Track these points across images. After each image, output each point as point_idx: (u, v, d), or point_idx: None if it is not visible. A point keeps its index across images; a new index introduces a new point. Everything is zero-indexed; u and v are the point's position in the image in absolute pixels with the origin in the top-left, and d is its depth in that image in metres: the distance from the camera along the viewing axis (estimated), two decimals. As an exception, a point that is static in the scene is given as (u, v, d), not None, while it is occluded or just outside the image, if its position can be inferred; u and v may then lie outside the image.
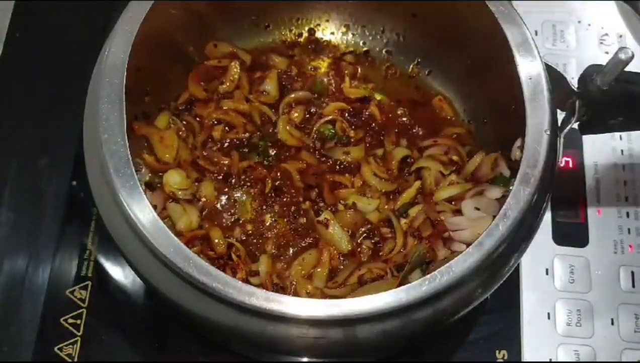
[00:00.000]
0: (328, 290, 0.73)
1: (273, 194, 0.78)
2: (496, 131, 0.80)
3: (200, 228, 0.75)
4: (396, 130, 0.83)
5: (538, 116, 0.67)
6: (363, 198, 0.78)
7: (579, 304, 0.82)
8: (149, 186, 0.76)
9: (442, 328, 0.67)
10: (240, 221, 0.77)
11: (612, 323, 0.82)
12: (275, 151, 0.81)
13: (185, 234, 0.73)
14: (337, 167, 0.81)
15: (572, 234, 0.86)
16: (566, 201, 0.87)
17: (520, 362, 0.80)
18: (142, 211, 0.61)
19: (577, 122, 0.75)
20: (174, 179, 0.76)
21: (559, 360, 0.80)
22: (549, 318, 0.82)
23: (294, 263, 0.74)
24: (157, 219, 0.61)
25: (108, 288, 0.82)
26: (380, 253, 0.76)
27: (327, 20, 0.89)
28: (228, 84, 0.83)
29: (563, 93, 0.72)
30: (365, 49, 0.89)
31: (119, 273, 0.83)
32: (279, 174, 0.79)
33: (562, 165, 0.88)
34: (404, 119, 0.84)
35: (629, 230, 0.86)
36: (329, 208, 0.77)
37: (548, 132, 0.66)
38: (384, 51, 0.89)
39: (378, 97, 0.85)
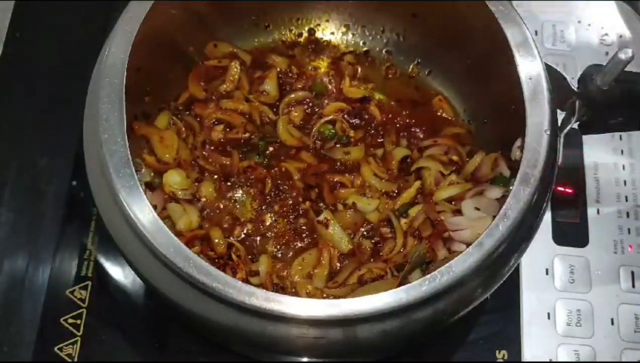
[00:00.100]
0: (328, 290, 0.73)
1: (273, 194, 0.78)
2: (496, 131, 0.80)
3: (200, 228, 0.75)
4: (396, 130, 0.83)
5: (538, 116, 0.67)
6: (363, 198, 0.78)
7: (579, 304, 0.82)
8: (149, 186, 0.76)
9: (442, 328, 0.67)
10: (240, 221, 0.77)
11: (612, 323, 0.82)
12: (275, 151, 0.81)
13: (185, 234, 0.74)
14: (337, 167, 0.81)
15: (572, 234, 0.86)
16: (566, 201, 0.87)
17: (520, 362, 0.80)
18: (142, 211, 0.61)
19: (577, 122, 0.75)
20: (174, 179, 0.76)
21: (559, 360, 0.80)
22: (549, 318, 0.82)
23: (294, 263, 0.74)
24: (157, 219, 0.61)
25: (108, 288, 0.82)
26: (380, 253, 0.76)
27: (327, 20, 0.89)
28: (228, 84, 0.83)
29: (563, 93, 0.72)
30: (365, 49, 0.89)
31: (119, 273, 0.83)
32: (279, 174, 0.79)
33: (562, 165, 0.88)
34: (404, 119, 0.84)
35: (629, 230, 0.86)
36: (329, 208, 0.77)
37: (548, 132, 0.66)
38: (384, 51, 0.89)
39: (378, 97, 0.85)
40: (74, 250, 0.83)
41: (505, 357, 0.80)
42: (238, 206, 0.78)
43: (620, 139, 0.91)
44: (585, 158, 0.90)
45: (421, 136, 0.83)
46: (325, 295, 0.73)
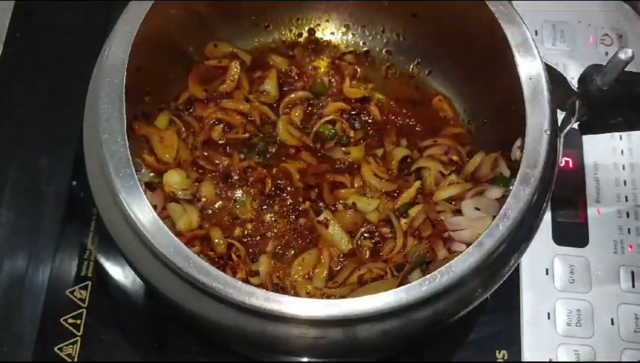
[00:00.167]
0: (328, 290, 0.73)
1: (273, 194, 0.78)
2: (496, 131, 0.80)
3: (200, 228, 0.75)
4: (396, 130, 0.83)
5: (538, 116, 0.67)
6: (363, 198, 0.78)
7: (579, 304, 0.82)
8: (149, 186, 0.76)
9: (442, 328, 0.67)
10: (240, 221, 0.77)
11: (612, 323, 0.82)
12: (275, 151, 0.81)
13: (185, 234, 0.73)
14: (337, 167, 0.81)
15: (572, 234, 0.86)
16: (566, 201, 0.87)
17: (520, 362, 0.80)
18: (142, 211, 0.61)
19: (577, 122, 0.75)
20: (174, 179, 0.76)
21: (559, 360, 0.80)
22: (549, 318, 0.82)
23: (294, 263, 0.74)
24: (157, 219, 0.61)
25: (108, 288, 0.82)
26: (380, 253, 0.76)
27: (327, 20, 0.89)
28: (228, 84, 0.83)
29: (563, 93, 0.72)
30: (365, 49, 0.89)
31: (119, 273, 0.83)
32: (279, 174, 0.79)
33: (562, 165, 0.88)
34: (404, 119, 0.84)
35: (629, 230, 0.86)
36: (329, 208, 0.77)
37: (548, 132, 0.66)
38: (384, 51, 0.89)
39: (378, 97, 0.85)
40: (74, 250, 0.83)
41: (505, 357, 0.80)
42: (238, 206, 0.78)
43: (620, 139, 0.91)
44: (585, 158, 0.90)
45: (421, 136, 0.83)
46: (325, 295, 0.72)
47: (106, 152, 0.63)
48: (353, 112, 0.84)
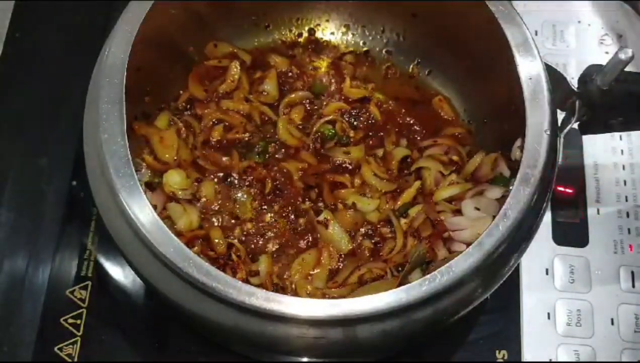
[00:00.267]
0: (328, 290, 0.73)
1: (273, 194, 0.78)
2: (496, 131, 0.80)
3: (200, 228, 0.75)
4: (396, 130, 0.83)
5: (538, 116, 0.67)
6: (363, 198, 0.78)
7: (579, 304, 0.82)
8: (149, 186, 0.76)
9: (442, 328, 0.67)
10: (240, 221, 0.77)
11: (612, 323, 0.82)
12: (275, 151, 0.81)
13: (185, 234, 0.74)
14: (337, 167, 0.81)
15: (572, 234, 0.86)
16: (566, 201, 0.88)
17: (520, 362, 0.80)
18: (142, 211, 0.61)
19: (577, 122, 0.75)
20: (174, 179, 0.76)
21: (559, 360, 0.80)
22: (549, 318, 0.82)
23: (294, 263, 0.74)
24: (157, 219, 0.61)
25: (108, 288, 0.82)
26: (380, 253, 0.76)
27: (327, 20, 0.89)
28: (228, 84, 0.83)
29: (563, 93, 0.73)
30: (365, 49, 0.89)
31: (119, 273, 0.83)
32: (279, 174, 0.79)
33: (562, 165, 0.88)
34: (404, 119, 0.84)
35: (629, 230, 0.86)
36: (329, 208, 0.77)
37: (548, 132, 0.66)
38: (384, 51, 0.89)
39: (378, 97, 0.85)
40: (74, 250, 0.83)
41: (505, 357, 0.80)
42: (238, 206, 0.78)
43: (620, 139, 0.91)
44: (585, 158, 0.90)
45: (421, 136, 0.83)
46: (325, 295, 0.72)
47: (106, 152, 0.63)
48: (353, 112, 0.84)
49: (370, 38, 0.89)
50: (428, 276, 0.60)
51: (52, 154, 0.88)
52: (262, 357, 0.77)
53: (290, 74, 0.86)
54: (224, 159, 0.79)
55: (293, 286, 0.74)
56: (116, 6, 0.72)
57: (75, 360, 0.78)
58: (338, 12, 0.88)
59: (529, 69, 0.69)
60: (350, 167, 0.81)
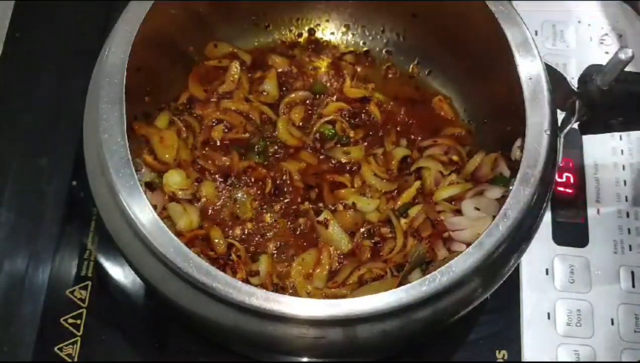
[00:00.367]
0: (328, 290, 0.73)
1: (273, 194, 0.78)
2: (496, 131, 0.80)
3: (201, 228, 0.75)
4: (396, 130, 0.83)
5: (538, 116, 0.67)
6: (363, 198, 0.78)
7: (579, 304, 0.82)
8: (149, 186, 0.76)
9: (442, 328, 0.67)
10: (241, 221, 0.77)
11: (612, 323, 0.82)
12: (275, 151, 0.81)
13: (185, 234, 0.74)
14: (337, 167, 0.81)
15: (572, 234, 0.86)
16: (566, 201, 0.87)
17: (520, 362, 0.80)
18: (142, 211, 0.61)
19: (577, 122, 0.75)
20: (174, 179, 0.76)
21: (559, 360, 0.80)
22: (549, 318, 0.82)
23: (294, 263, 0.74)
24: (157, 219, 0.61)
25: (108, 288, 0.82)
26: (380, 253, 0.76)
27: (327, 20, 0.89)
28: (228, 84, 0.83)
29: (563, 93, 0.72)
30: (365, 49, 0.89)
31: (119, 273, 0.83)
32: (279, 174, 0.80)
33: (562, 165, 0.88)
34: (404, 119, 0.84)
35: (629, 230, 0.86)
36: (329, 208, 0.77)
37: (548, 132, 0.66)
38: (384, 51, 0.89)
39: (378, 97, 0.85)
40: (74, 250, 0.83)
41: (505, 357, 0.80)
42: (238, 206, 0.78)
43: (620, 139, 0.91)
44: (585, 158, 0.90)
45: (421, 136, 0.83)
46: (325, 295, 0.72)
47: (106, 152, 0.63)
48: (353, 112, 0.84)
49: (370, 38, 0.89)
50: (428, 276, 0.60)
51: (52, 154, 0.87)
52: (262, 357, 0.77)
53: (290, 74, 0.86)
54: (224, 159, 0.79)
55: (293, 286, 0.74)
56: (116, 6, 0.72)
57: (75, 360, 0.78)
58: (338, 12, 0.88)
59: (529, 69, 0.69)
60: (350, 167, 0.81)
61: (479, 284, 0.64)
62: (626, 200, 0.88)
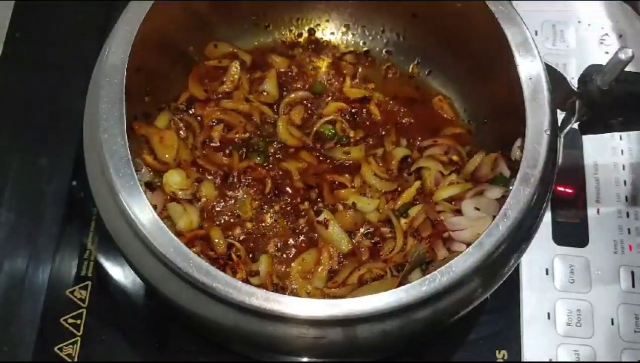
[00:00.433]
0: (328, 290, 0.73)
1: (273, 194, 0.78)
2: (496, 131, 0.80)
3: (201, 228, 0.75)
4: (396, 130, 0.83)
5: (538, 116, 0.67)
6: (363, 198, 0.78)
7: (579, 304, 0.82)
8: (149, 186, 0.76)
9: (442, 328, 0.67)
10: (241, 221, 0.77)
11: (612, 323, 0.82)
12: (275, 151, 0.81)
13: (185, 234, 0.74)
14: (337, 167, 0.81)
15: (572, 234, 0.86)
16: (566, 201, 0.87)
17: (520, 362, 0.80)
18: (142, 211, 0.61)
19: (577, 122, 0.75)
20: (174, 179, 0.76)
21: (559, 360, 0.80)
22: (549, 318, 0.82)
23: (294, 263, 0.74)
24: (157, 219, 0.61)
25: (108, 288, 0.82)
26: (380, 253, 0.76)
27: (327, 20, 0.89)
28: (228, 84, 0.83)
29: (563, 93, 0.72)
30: (365, 49, 0.89)
31: (119, 273, 0.83)
32: (279, 174, 0.80)
33: (562, 165, 0.88)
34: (404, 119, 0.84)
35: (629, 230, 0.86)
36: (329, 208, 0.77)
37: (548, 133, 0.66)
38: (384, 51, 0.89)
39: (378, 97, 0.85)
40: (74, 250, 0.83)
41: (505, 357, 0.80)
42: (238, 206, 0.78)
43: (620, 139, 0.91)
44: (585, 158, 0.90)
45: (421, 136, 0.83)
46: (325, 295, 0.72)
47: (106, 152, 0.63)
48: (353, 112, 0.84)
49: (370, 38, 0.89)
50: (428, 276, 0.60)
51: (52, 154, 0.87)
52: (262, 357, 0.77)
53: (290, 74, 0.86)
54: (224, 159, 0.79)
55: (293, 286, 0.74)
56: (116, 6, 0.72)
57: (75, 360, 0.78)
58: (338, 12, 0.88)
59: (529, 69, 0.69)
60: (350, 167, 0.81)
61: (479, 284, 0.64)
62: (626, 200, 0.88)
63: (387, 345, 0.67)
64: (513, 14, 0.71)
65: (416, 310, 0.61)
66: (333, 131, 0.82)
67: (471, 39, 0.77)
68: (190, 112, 0.82)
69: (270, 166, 0.80)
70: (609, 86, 0.70)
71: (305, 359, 0.72)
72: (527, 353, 0.80)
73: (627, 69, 0.69)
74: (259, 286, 0.69)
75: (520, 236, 0.65)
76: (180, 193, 0.76)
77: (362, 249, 0.76)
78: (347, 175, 0.80)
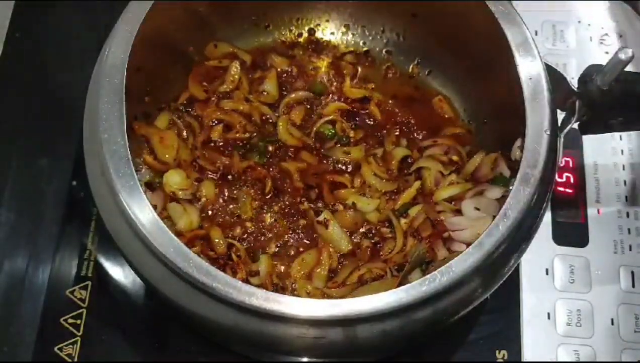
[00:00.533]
0: (328, 290, 0.73)
1: (273, 194, 0.78)
2: (496, 131, 0.80)
3: (201, 228, 0.75)
4: (396, 130, 0.83)
5: (538, 116, 0.67)
6: (363, 198, 0.78)
7: (579, 304, 0.82)
8: (149, 186, 0.76)
9: (442, 328, 0.67)
10: (241, 221, 0.77)
11: (612, 323, 0.82)
12: (275, 151, 0.81)
13: (185, 234, 0.74)
14: (337, 167, 0.81)
15: (572, 234, 0.86)
16: (566, 201, 0.87)
17: (520, 362, 0.80)
18: (142, 211, 0.61)
19: (577, 122, 0.75)
20: (174, 179, 0.76)
21: (559, 360, 0.80)
22: (549, 318, 0.82)
23: (294, 263, 0.74)
24: (157, 220, 0.61)
25: (108, 288, 0.82)
26: (380, 253, 0.76)
27: (327, 20, 0.89)
28: (228, 84, 0.83)
29: (563, 93, 0.72)
30: (365, 49, 0.89)
31: (119, 273, 0.83)
32: (279, 174, 0.80)
33: (562, 165, 0.88)
34: (404, 119, 0.84)
35: (629, 230, 0.86)
36: (329, 208, 0.77)
37: (548, 132, 0.66)
38: (384, 51, 0.89)
39: (378, 97, 0.85)
40: (74, 250, 0.83)
41: (505, 357, 0.80)
42: (238, 206, 0.78)
43: (620, 139, 0.91)
44: (585, 158, 0.90)
45: (421, 136, 0.83)
46: (325, 295, 0.72)
47: (106, 152, 0.63)
48: (353, 112, 0.84)
49: (370, 38, 0.89)
50: (428, 276, 0.60)
51: (52, 154, 0.87)
52: (262, 357, 0.77)
53: (290, 74, 0.86)
54: (224, 159, 0.79)
55: (293, 286, 0.74)
56: (116, 6, 0.72)
57: (75, 360, 0.78)
58: (338, 12, 0.88)
59: (529, 69, 0.69)
60: (350, 167, 0.81)
61: (479, 284, 0.64)
62: (626, 200, 0.88)
63: (387, 345, 0.67)
64: (513, 14, 0.71)
65: (416, 310, 0.61)
66: (333, 131, 0.82)
67: (471, 39, 0.77)
68: (190, 112, 0.82)
69: (271, 166, 0.80)
70: (609, 86, 0.70)
71: (305, 359, 0.72)
72: (527, 353, 0.80)
73: (627, 69, 0.69)
74: (259, 286, 0.69)
75: (520, 236, 0.65)
76: (180, 193, 0.76)
77: (362, 249, 0.76)
78: (347, 175, 0.80)
